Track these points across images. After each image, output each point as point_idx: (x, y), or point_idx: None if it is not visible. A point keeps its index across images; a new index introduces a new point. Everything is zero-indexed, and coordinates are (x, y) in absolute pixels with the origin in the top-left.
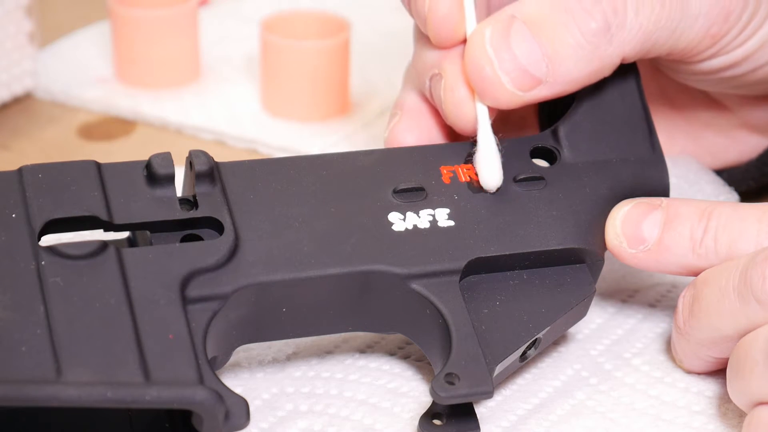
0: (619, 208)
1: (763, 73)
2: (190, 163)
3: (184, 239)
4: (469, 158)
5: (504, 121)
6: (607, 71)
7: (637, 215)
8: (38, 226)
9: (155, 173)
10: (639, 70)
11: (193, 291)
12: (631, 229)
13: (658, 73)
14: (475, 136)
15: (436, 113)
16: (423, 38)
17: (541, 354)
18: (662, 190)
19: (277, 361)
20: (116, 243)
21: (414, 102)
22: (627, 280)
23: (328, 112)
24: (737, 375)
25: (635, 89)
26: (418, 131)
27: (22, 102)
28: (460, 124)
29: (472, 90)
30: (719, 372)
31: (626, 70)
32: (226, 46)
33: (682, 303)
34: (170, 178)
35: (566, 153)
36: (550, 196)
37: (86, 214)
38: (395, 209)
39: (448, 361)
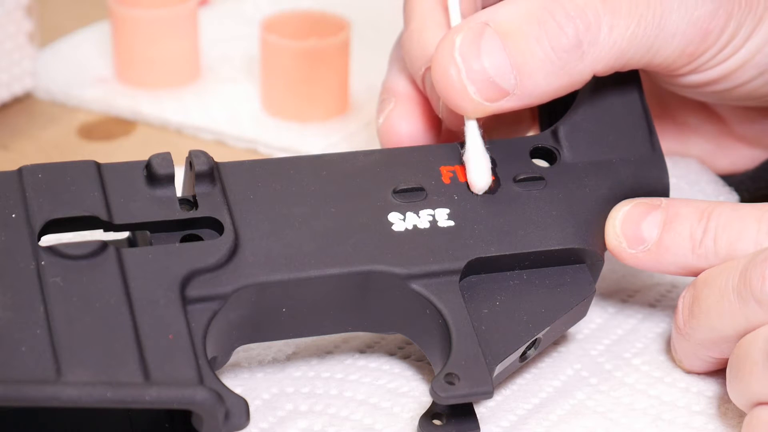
0: (618, 209)
1: (745, 90)
2: (190, 163)
3: (184, 239)
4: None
5: (498, 118)
6: (577, 85)
7: (637, 215)
8: (38, 226)
9: (155, 173)
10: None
11: (193, 291)
12: (631, 229)
13: (651, 77)
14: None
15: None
16: (421, 21)
17: (541, 354)
18: (662, 190)
19: (277, 361)
20: (116, 243)
21: (406, 88)
22: (627, 280)
23: (328, 112)
24: (737, 375)
25: (635, 89)
26: (414, 119)
27: (22, 102)
28: (456, 120)
29: None
30: (719, 372)
31: (626, 71)
32: (226, 46)
33: (682, 303)
34: (170, 178)
35: (566, 153)
36: (550, 196)
37: (86, 214)
38: (395, 209)
39: (448, 361)
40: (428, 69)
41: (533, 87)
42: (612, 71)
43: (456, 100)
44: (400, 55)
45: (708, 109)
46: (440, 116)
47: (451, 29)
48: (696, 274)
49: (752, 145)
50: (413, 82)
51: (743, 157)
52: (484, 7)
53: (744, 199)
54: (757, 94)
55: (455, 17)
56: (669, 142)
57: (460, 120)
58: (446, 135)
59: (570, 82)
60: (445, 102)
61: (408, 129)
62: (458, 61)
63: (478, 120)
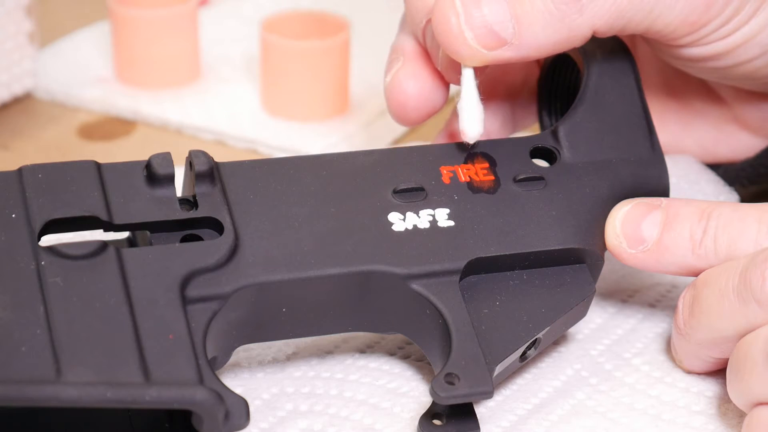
0: (618, 209)
1: (746, 69)
2: (190, 163)
3: (184, 239)
4: (468, 158)
5: (503, 78)
6: (576, 41)
7: (637, 215)
8: (38, 226)
9: (155, 173)
10: (638, 48)
11: (193, 291)
12: (631, 229)
13: (657, 57)
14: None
15: None
16: None
17: (541, 354)
18: (662, 190)
19: (277, 361)
20: (116, 243)
21: (414, 47)
22: (627, 280)
23: (328, 112)
24: (737, 375)
25: (635, 89)
26: (421, 78)
27: (22, 102)
28: (452, 74)
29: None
30: (719, 372)
31: (626, 71)
32: (226, 46)
33: (682, 303)
34: (170, 178)
35: (566, 153)
36: (550, 196)
37: (86, 214)
38: (395, 209)
39: (448, 361)
40: (429, 22)
41: (531, 38)
42: (612, 32)
43: (454, 46)
44: (407, 17)
45: (712, 92)
46: (439, 69)
47: None
48: (696, 274)
49: (755, 132)
50: (418, 41)
51: (745, 145)
52: None
53: (743, 186)
54: (759, 74)
55: None
56: (672, 127)
57: (459, 73)
58: (444, 135)
59: (569, 36)
60: (444, 48)
61: (415, 88)
62: (458, 7)
63: (476, 71)
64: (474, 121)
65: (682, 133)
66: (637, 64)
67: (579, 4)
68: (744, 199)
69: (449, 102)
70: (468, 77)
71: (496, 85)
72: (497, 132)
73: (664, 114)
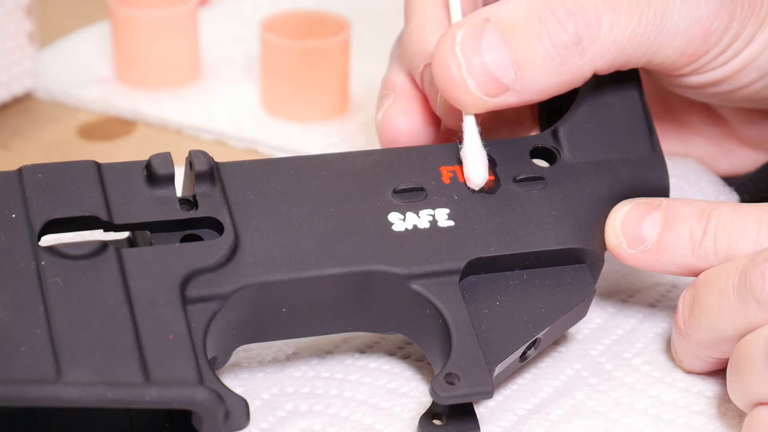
0: (618, 209)
1: (746, 93)
2: (190, 163)
3: (184, 239)
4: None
5: (499, 118)
6: (577, 82)
7: (637, 215)
8: (38, 226)
9: (155, 173)
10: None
11: (193, 291)
12: (631, 229)
13: (654, 77)
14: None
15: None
16: (421, 19)
17: (541, 354)
18: (662, 191)
19: (277, 361)
20: (116, 243)
21: (406, 84)
22: (627, 280)
23: (328, 112)
24: (737, 375)
25: (635, 89)
26: (413, 114)
27: (22, 102)
28: (454, 118)
29: None
30: (719, 372)
31: (626, 71)
32: (226, 46)
33: (682, 303)
34: (170, 178)
35: (566, 153)
36: (550, 196)
37: (86, 214)
38: (395, 209)
39: (448, 361)
40: (427, 66)
41: (533, 83)
42: (612, 69)
43: (456, 95)
44: (401, 51)
45: (711, 111)
46: (438, 114)
47: (453, 25)
48: (696, 274)
49: (755, 148)
50: (413, 79)
51: (745, 160)
52: (485, 5)
53: (745, 201)
54: (759, 97)
55: (456, 14)
56: (671, 143)
57: (459, 118)
58: (445, 134)
59: (570, 78)
60: (445, 96)
61: (406, 124)
62: (459, 55)
63: (477, 116)
64: (478, 166)
65: (683, 151)
66: None
67: (580, 47)
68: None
69: None
70: (470, 124)
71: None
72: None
73: (663, 134)
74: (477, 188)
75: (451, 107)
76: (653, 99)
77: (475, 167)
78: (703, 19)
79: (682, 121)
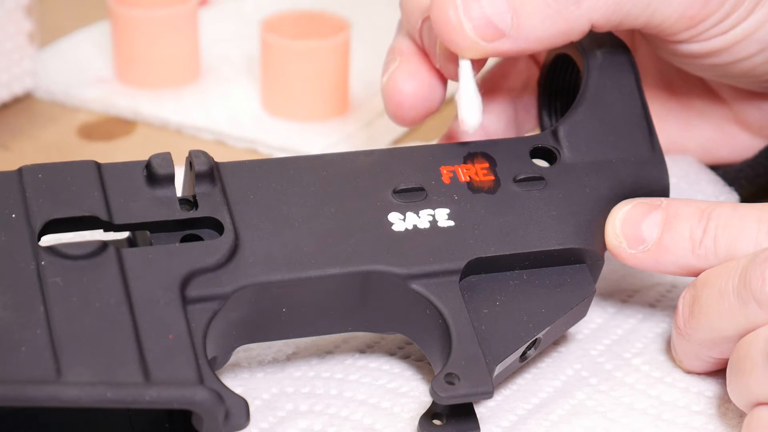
0: (618, 209)
1: (745, 66)
2: (190, 163)
3: (184, 239)
4: (468, 158)
5: (504, 80)
6: (574, 35)
7: (637, 215)
8: (38, 226)
9: (155, 173)
10: (639, 49)
11: (193, 291)
12: (631, 229)
13: (657, 57)
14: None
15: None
16: None
17: (541, 354)
18: (662, 190)
19: (277, 361)
20: (116, 243)
21: (410, 47)
22: (627, 280)
23: (328, 112)
24: (737, 375)
25: (635, 89)
26: (417, 77)
27: (22, 102)
28: (450, 71)
29: None
30: (719, 372)
31: (625, 71)
32: (226, 46)
33: (682, 303)
34: (170, 178)
35: (566, 153)
36: (550, 196)
37: (86, 214)
38: (395, 209)
39: (448, 361)
40: (425, 20)
41: (529, 30)
42: (610, 25)
43: (453, 38)
44: (401, 16)
45: (713, 93)
46: (437, 65)
47: None
48: (696, 274)
49: (756, 133)
50: (416, 43)
51: (745, 146)
52: None
53: (743, 187)
54: (758, 72)
55: None
56: (673, 127)
57: (457, 66)
58: (443, 135)
59: (566, 28)
60: (442, 41)
61: (411, 87)
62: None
63: (473, 64)
64: (472, 109)
65: (683, 134)
66: (638, 66)
67: None
68: (744, 199)
69: (448, 103)
70: (466, 68)
71: (497, 89)
72: (501, 134)
73: (664, 115)
74: (471, 130)
75: (449, 56)
76: (656, 80)
77: (469, 109)
78: None
79: (683, 101)
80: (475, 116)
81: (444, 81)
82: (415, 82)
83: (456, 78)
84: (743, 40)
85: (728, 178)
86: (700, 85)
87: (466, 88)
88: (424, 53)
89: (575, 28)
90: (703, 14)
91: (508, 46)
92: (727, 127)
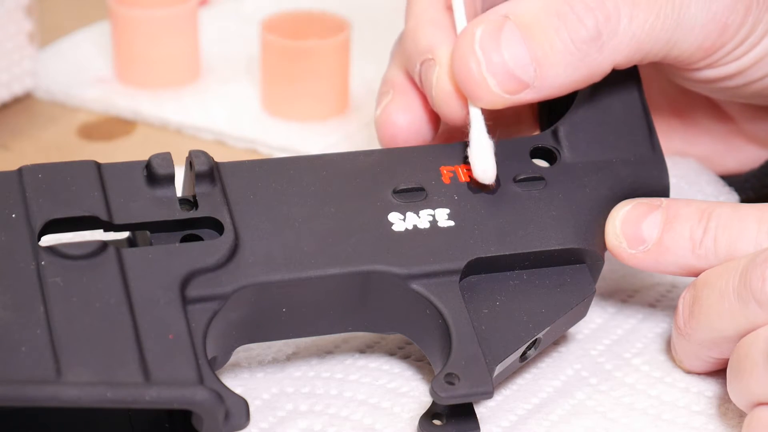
0: (618, 209)
1: (757, 87)
2: (190, 163)
3: (184, 239)
4: (468, 158)
5: (498, 116)
6: (596, 78)
7: (637, 216)
8: (38, 226)
9: (155, 173)
10: (642, 68)
11: (193, 291)
12: (631, 229)
13: (660, 74)
14: (467, 131)
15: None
16: (417, 19)
17: (541, 354)
18: (662, 191)
19: (277, 361)
20: (116, 243)
21: (405, 81)
22: (627, 280)
23: (328, 112)
24: (737, 375)
25: (635, 89)
26: (411, 111)
27: (22, 102)
28: (451, 114)
29: None
30: (719, 372)
31: (626, 71)
32: (226, 46)
33: (682, 304)
34: (170, 178)
35: (566, 153)
36: (550, 197)
37: (86, 214)
38: (395, 209)
39: (448, 361)
40: (423, 63)
41: (553, 79)
42: (631, 64)
43: (476, 92)
44: (400, 51)
45: (717, 108)
46: (436, 110)
47: (471, 22)
48: (696, 274)
49: (762, 145)
50: (411, 77)
51: (751, 158)
52: (484, 8)
53: (749, 198)
54: None
55: (460, 16)
56: (677, 142)
57: (457, 115)
58: (443, 135)
59: (589, 74)
60: (465, 94)
61: (405, 121)
62: (478, 53)
63: (483, 111)
64: (487, 162)
65: (689, 150)
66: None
67: (599, 42)
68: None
69: None
70: (477, 117)
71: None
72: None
73: (670, 132)
74: (488, 183)
75: (452, 103)
76: (658, 96)
77: (484, 162)
78: (719, 12)
79: (687, 118)
80: (490, 169)
81: (436, 114)
82: (409, 116)
83: (454, 123)
84: (758, 62)
85: (734, 188)
86: (705, 102)
87: (478, 138)
88: (418, 89)
89: (597, 72)
90: (719, 44)
91: (531, 95)
92: (733, 140)
